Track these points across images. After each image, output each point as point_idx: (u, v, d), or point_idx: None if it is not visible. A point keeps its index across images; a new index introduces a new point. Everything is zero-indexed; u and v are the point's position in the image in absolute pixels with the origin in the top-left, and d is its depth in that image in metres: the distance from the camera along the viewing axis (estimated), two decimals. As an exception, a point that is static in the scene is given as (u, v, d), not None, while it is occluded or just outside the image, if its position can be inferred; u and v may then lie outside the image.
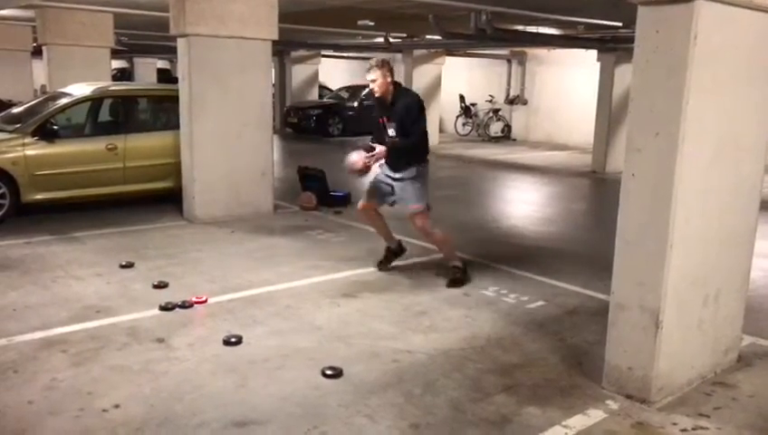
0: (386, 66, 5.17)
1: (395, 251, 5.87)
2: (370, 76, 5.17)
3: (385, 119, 5.32)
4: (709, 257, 3.64)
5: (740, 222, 3.83)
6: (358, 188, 9.07)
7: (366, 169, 5.28)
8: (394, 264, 5.88)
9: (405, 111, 5.19)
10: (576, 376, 3.87)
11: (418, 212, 5.32)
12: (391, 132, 5.28)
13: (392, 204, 5.52)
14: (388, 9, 9.35)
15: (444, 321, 4.70)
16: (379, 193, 5.51)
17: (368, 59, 22.28)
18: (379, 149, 5.24)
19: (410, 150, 5.25)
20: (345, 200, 8.52)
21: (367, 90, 18.66)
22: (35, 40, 12.03)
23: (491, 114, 18.98)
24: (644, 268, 3.44)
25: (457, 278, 5.47)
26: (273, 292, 5.21)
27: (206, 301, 4.90)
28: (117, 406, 3.38)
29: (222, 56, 7.38)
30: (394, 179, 5.36)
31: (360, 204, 5.68)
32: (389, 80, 5.17)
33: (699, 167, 3.39)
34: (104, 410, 3.33)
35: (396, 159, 5.29)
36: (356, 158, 5.23)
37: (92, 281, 5.35)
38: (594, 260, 6.18)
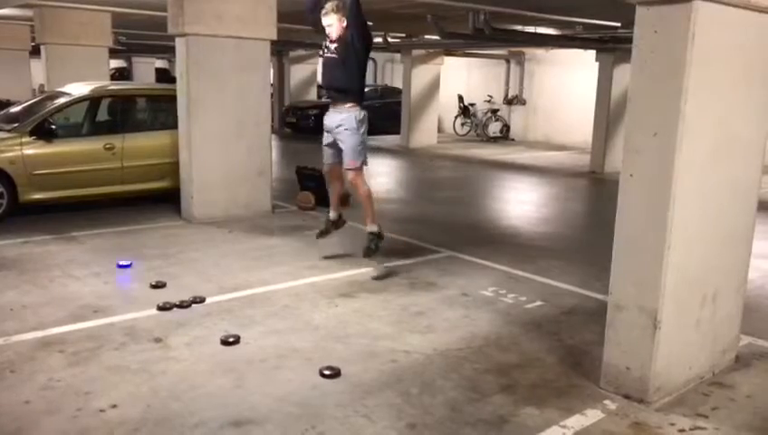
0: (341, 11, 5.39)
1: (334, 222, 6.04)
2: (327, 21, 5.41)
3: (331, 39, 5.49)
4: (707, 258, 3.64)
5: (738, 222, 3.83)
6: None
7: None
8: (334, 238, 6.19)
9: (351, 32, 5.35)
10: (574, 376, 3.87)
11: (354, 168, 5.56)
12: (333, 46, 5.45)
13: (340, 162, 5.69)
14: (386, 9, 9.35)
15: (442, 321, 4.70)
16: (329, 153, 5.74)
17: (369, 59, 22.54)
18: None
19: (352, 73, 5.43)
20: (343, 201, 8.49)
21: (366, 89, 18.73)
22: (34, 39, 12.03)
23: (489, 114, 18.99)
24: (642, 268, 3.44)
25: (373, 246, 5.66)
26: (270, 292, 5.20)
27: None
28: (114, 406, 3.37)
29: (220, 56, 7.37)
30: (336, 127, 5.53)
31: (325, 167, 5.91)
32: (344, 24, 5.39)
33: (697, 167, 3.39)
34: (101, 410, 3.33)
35: (336, 84, 5.50)
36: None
37: (90, 281, 5.34)
38: (592, 260, 6.18)
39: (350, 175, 5.62)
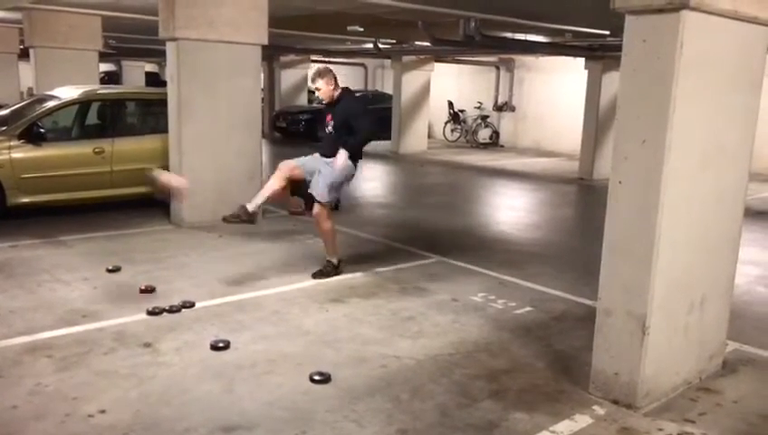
0: (328, 75, 5.62)
1: (250, 215, 5.54)
2: (315, 85, 5.64)
3: (329, 116, 5.70)
4: (695, 264, 3.68)
5: (725, 229, 3.87)
6: (347, 193, 9.07)
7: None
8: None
9: (345, 112, 5.59)
10: (563, 381, 3.89)
11: (320, 202, 5.56)
12: (329, 129, 5.66)
13: (308, 185, 5.65)
14: (377, 15, 9.38)
15: (432, 326, 4.71)
16: (307, 167, 5.66)
17: (360, 65, 22.59)
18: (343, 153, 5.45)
19: (354, 146, 5.51)
20: (334, 206, 8.49)
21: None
22: (22, 42, 11.95)
23: (479, 121, 19.07)
24: (630, 274, 3.47)
25: (325, 271, 5.75)
26: (260, 297, 5.20)
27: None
28: (103, 411, 3.35)
29: (211, 60, 7.36)
30: (326, 162, 5.59)
31: (285, 165, 5.66)
32: (332, 86, 5.61)
33: (685, 174, 3.43)
34: (90, 416, 3.31)
35: (331, 150, 5.54)
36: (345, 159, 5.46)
37: (79, 285, 5.31)
38: (581, 266, 6.22)
39: (315, 208, 5.60)
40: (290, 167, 5.66)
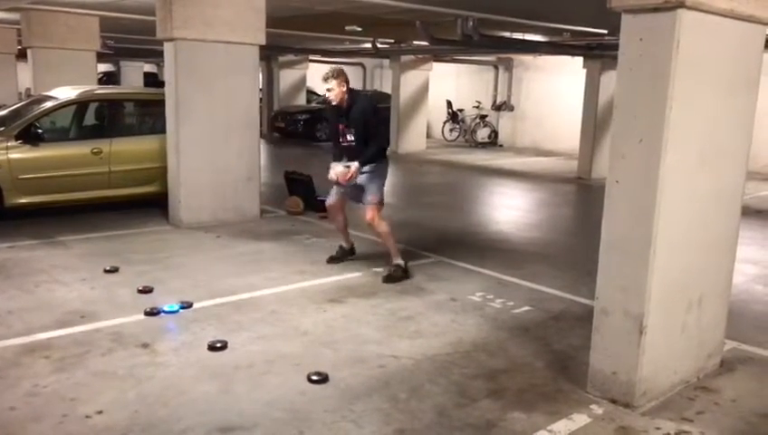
0: (341, 76, 5.55)
1: (348, 251, 6.25)
2: (328, 86, 5.53)
3: (342, 126, 5.64)
4: (692, 263, 3.68)
5: (722, 228, 3.87)
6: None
7: (351, 180, 5.60)
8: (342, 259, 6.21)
9: (362, 115, 5.58)
10: (561, 381, 3.89)
11: (372, 204, 5.64)
12: (350, 137, 5.64)
13: (353, 198, 5.84)
14: (375, 15, 9.37)
15: (430, 326, 4.70)
16: (343, 190, 5.84)
17: (358, 64, 22.60)
18: (354, 165, 5.54)
19: (374, 152, 5.61)
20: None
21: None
22: (20, 42, 11.93)
23: (478, 120, 19.07)
24: (628, 274, 3.47)
25: (396, 276, 5.68)
26: (258, 297, 5.19)
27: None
28: (100, 412, 3.35)
29: (209, 60, 7.36)
30: (366, 172, 5.66)
31: (329, 201, 5.98)
32: (345, 88, 5.54)
33: (682, 173, 3.43)
34: (87, 417, 3.31)
35: (358, 159, 5.58)
36: (342, 170, 5.56)
37: (76, 286, 5.31)
38: (579, 265, 6.22)
39: (368, 213, 5.65)
40: (337, 204, 5.91)
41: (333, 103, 5.60)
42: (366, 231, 6.40)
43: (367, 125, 5.58)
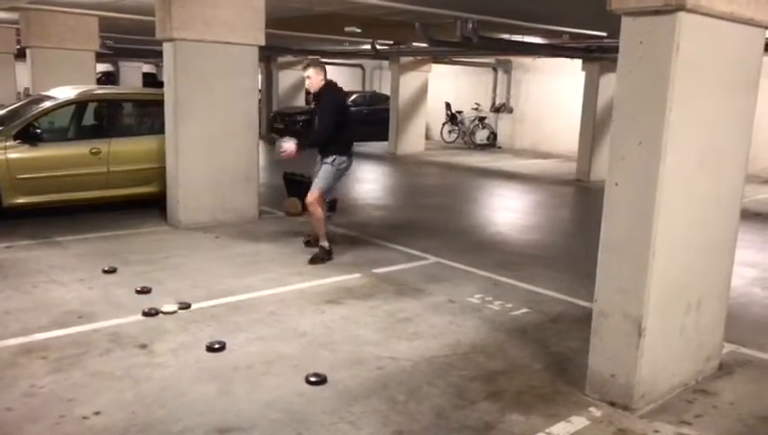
0: (319, 66, 6.12)
1: (327, 252, 6.28)
2: (306, 73, 6.05)
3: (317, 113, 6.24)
4: (691, 265, 3.68)
5: (721, 230, 3.87)
6: (344, 193, 9.08)
7: (296, 155, 5.97)
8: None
9: (323, 106, 6.09)
10: (559, 383, 3.89)
11: (315, 190, 6.05)
12: (316, 122, 6.16)
13: (309, 186, 6.22)
14: (374, 16, 9.38)
15: (428, 327, 4.70)
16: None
17: (357, 66, 22.59)
18: (292, 141, 6.01)
19: (324, 142, 6.03)
20: (331, 206, 8.49)
21: (354, 96, 18.77)
22: (19, 42, 11.92)
23: (477, 122, 19.07)
24: (627, 276, 3.47)
25: (319, 257, 6.14)
26: (257, 298, 5.19)
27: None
28: (98, 413, 3.34)
29: (208, 61, 7.36)
30: (322, 162, 6.15)
31: (312, 195, 6.13)
32: (321, 78, 6.03)
33: (682, 175, 3.43)
34: (85, 417, 3.30)
35: (321, 147, 6.12)
36: (289, 144, 5.97)
37: (74, 286, 5.29)
38: (578, 267, 6.22)
39: (308, 197, 6.07)
40: (317, 195, 6.12)
41: (312, 91, 6.13)
42: (363, 232, 6.47)
43: (321, 116, 6.04)
